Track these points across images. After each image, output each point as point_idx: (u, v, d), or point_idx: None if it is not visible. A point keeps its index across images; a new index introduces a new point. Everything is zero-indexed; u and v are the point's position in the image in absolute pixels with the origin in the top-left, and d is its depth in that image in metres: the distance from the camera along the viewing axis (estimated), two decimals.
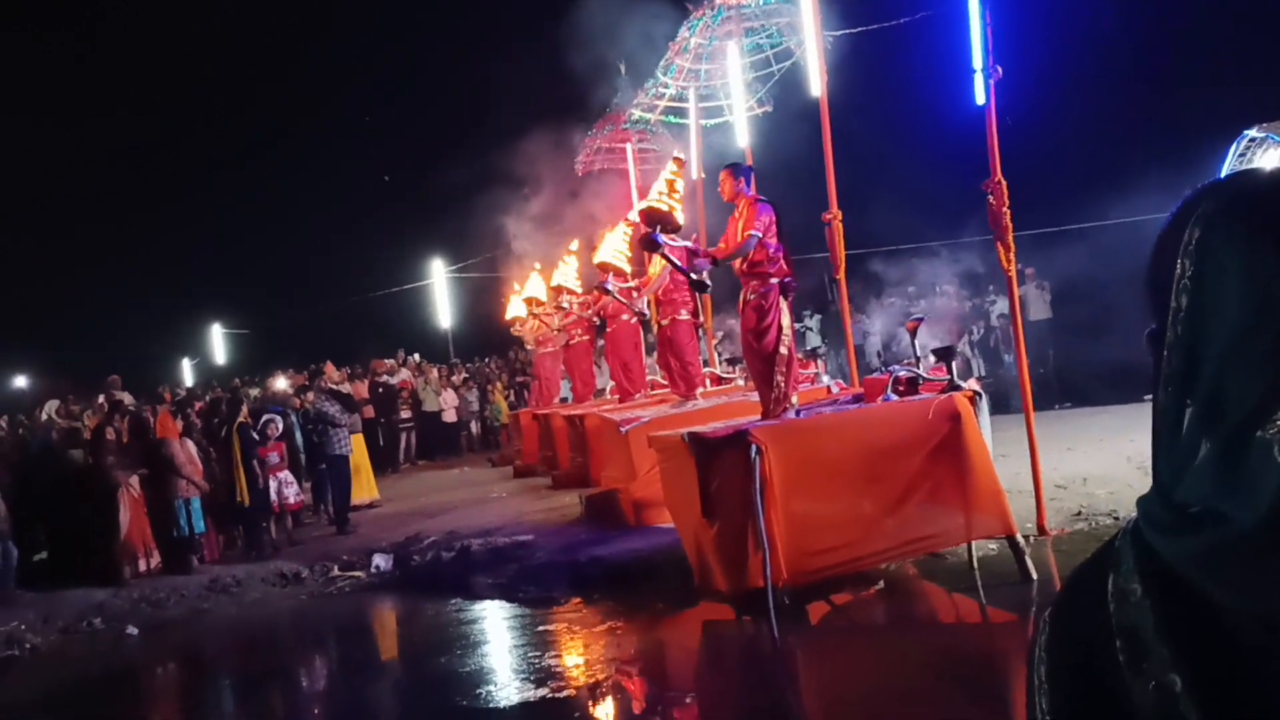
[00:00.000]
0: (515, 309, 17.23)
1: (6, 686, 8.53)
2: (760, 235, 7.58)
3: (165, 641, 9.43)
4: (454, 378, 22.03)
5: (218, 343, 30.55)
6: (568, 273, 14.96)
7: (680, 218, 8.84)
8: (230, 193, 31.05)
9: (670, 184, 8.85)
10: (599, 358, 16.78)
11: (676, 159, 9.46)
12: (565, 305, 15.04)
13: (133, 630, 9.56)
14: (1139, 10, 17.97)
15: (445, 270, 27.72)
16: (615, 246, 12.22)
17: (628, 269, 12.29)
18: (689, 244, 9.41)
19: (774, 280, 7.68)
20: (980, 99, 8.12)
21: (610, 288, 12.33)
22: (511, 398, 21.77)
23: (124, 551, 10.96)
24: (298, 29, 31.41)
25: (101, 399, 15.82)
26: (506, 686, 6.58)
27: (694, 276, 8.43)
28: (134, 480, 11.19)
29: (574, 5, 13.98)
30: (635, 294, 12.48)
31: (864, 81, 13.21)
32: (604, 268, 12.26)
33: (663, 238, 8.34)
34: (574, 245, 15.20)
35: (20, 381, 28.25)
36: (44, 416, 15.61)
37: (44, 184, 29.44)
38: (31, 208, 28.83)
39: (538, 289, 16.35)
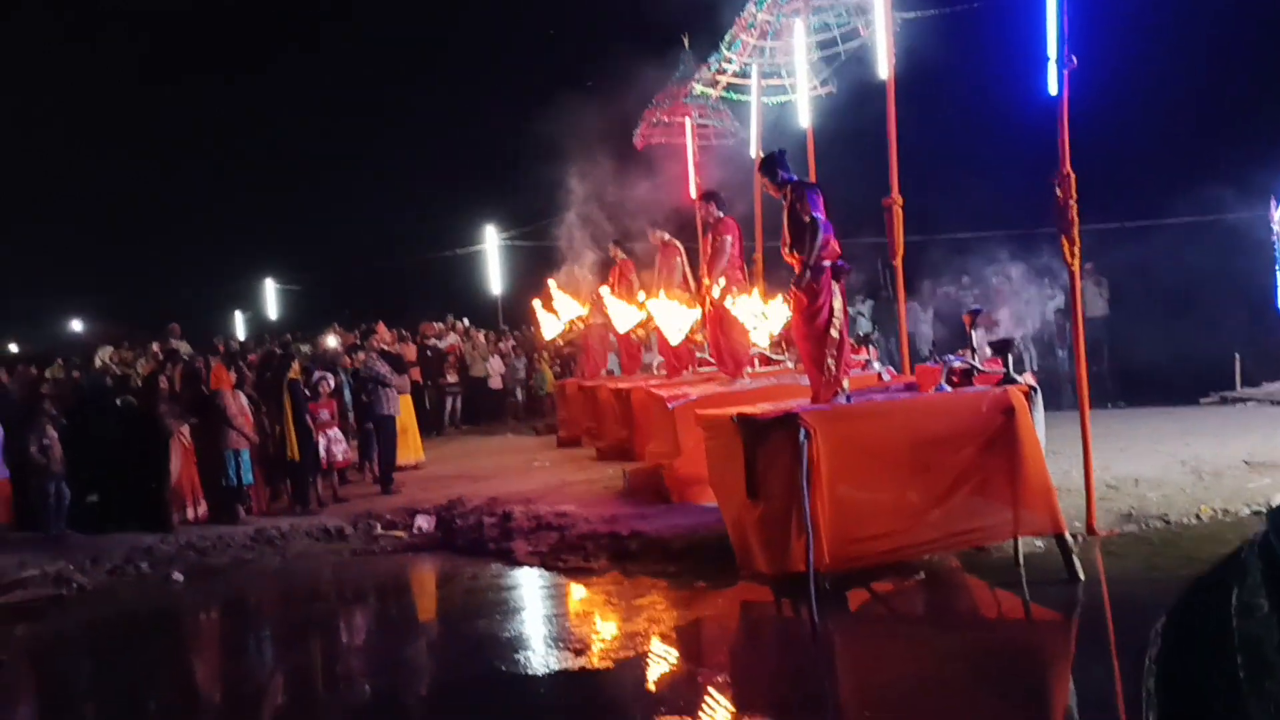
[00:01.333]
0: (552, 327, 16.98)
1: (54, 623, 8.72)
2: (822, 219, 7.50)
3: (209, 588, 9.59)
4: (501, 345, 22.11)
5: (270, 297, 30.86)
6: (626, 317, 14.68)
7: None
8: (288, 150, 31.31)
9: None
10: (649, 333, 16.74)
11: None
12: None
13: (178, 575, 9.73)
14: (1220, 3, 17.55)
15: (498, 237, 27.77)
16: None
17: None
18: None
19: (825, 263, 7.60)
20: (1053, 89, 7.96)
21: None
22: (558, 368, 21.81)
23: (173, 498, 11.13)
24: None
25: (157, 346, 16.04)
26: (545, 654, 6.62)
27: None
28: (185, 429, 11.35)
29: None
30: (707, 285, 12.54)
31: (932, 66, 13.00)
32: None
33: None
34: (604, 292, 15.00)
35: (76, 325, 28.73)
36: (98, 362, 15.86)
37: (102, 135, 29.86)
38: (91, 159, 29.22)
39: (572, 308, 16.15)
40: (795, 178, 8.04)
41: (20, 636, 8.35)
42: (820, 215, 7.52)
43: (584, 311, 16.02)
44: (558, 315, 16.29)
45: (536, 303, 16.77)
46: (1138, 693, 0.92)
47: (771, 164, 8.04)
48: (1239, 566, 0.87)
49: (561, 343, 17.54)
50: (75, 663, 8.19)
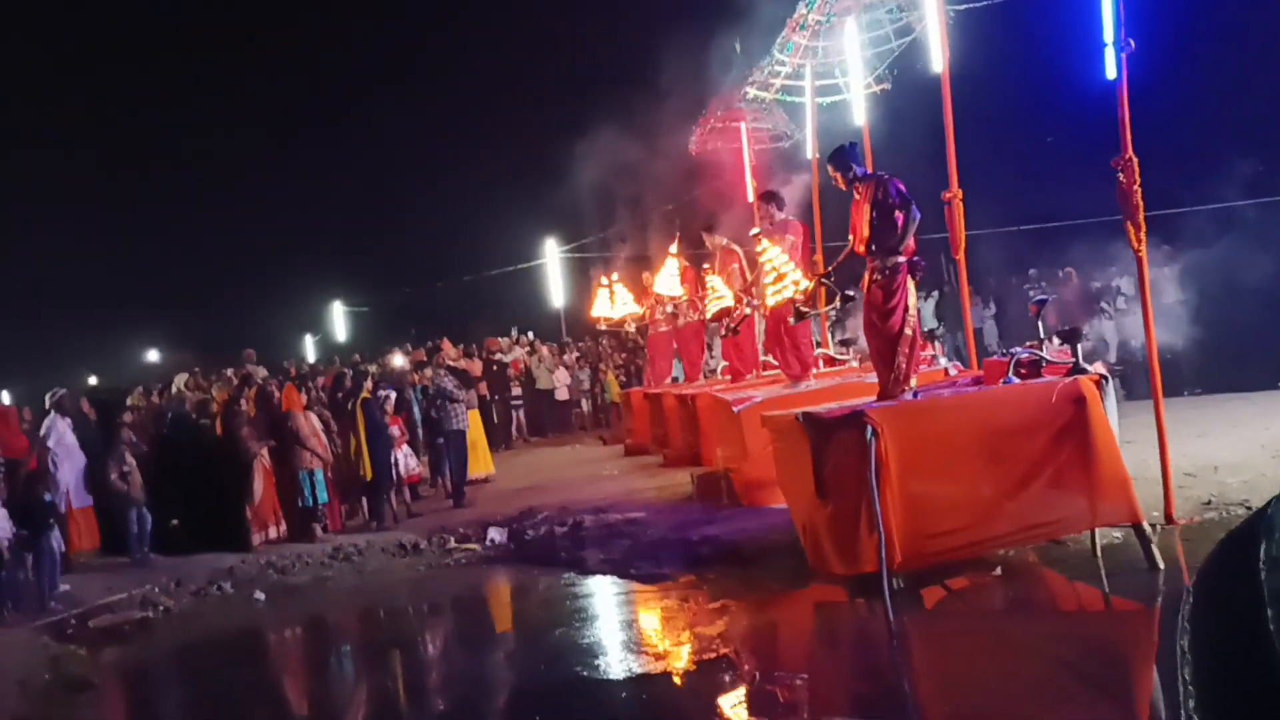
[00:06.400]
0: (604, 310, 17.28)
1: (141, 646, 8.93)
2: (917, 213, 7.48)
3: (291, 606, 9.78)
4: (566, 356, 22.24)
5: (339, 319, 31.32)
6: (669, 281, 14.90)
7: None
8: (353, 174, 31.85)
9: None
10: (711, 338, 16.76)
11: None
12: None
13: (260, 595, 9.93)
14: None
15: (559, 250, 27.95)
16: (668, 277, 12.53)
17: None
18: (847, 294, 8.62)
19: (901, 259, 7.56)
20: (1111, 73, 7.85)
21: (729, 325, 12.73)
22: (623, 377, 21.88)
23: (253, 519, 11.37)
24: (424, 18, 32.04)
25: (232, 372, 16.37)
26: (624, 659, 6.66)
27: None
28: (265, 451, 11.59)
29: None
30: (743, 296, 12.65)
31: (987, 57, 12.86)
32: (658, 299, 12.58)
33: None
34: (673, 248, 15.17)
35: (152, 355, 29.41)
36: (174, 389, 16.23)
37: (169, 167, 30.59)
38: (158, 192, 29.97)
39: (629, 307, 16.43)
40: (872, 172, 7.99)
41: (109, 660, 8.57)
42: (915, 210, 7.49)
43: (639, 311, 16.20)
44: (612, 304, 16.61)
45: (601, 288, 17.03)
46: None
47: (845, 155, 7.93)
48: (1266, 522, 0.88)
49: (604, 326, 17.69)
50: (163, 684, 8.40)
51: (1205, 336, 15.51)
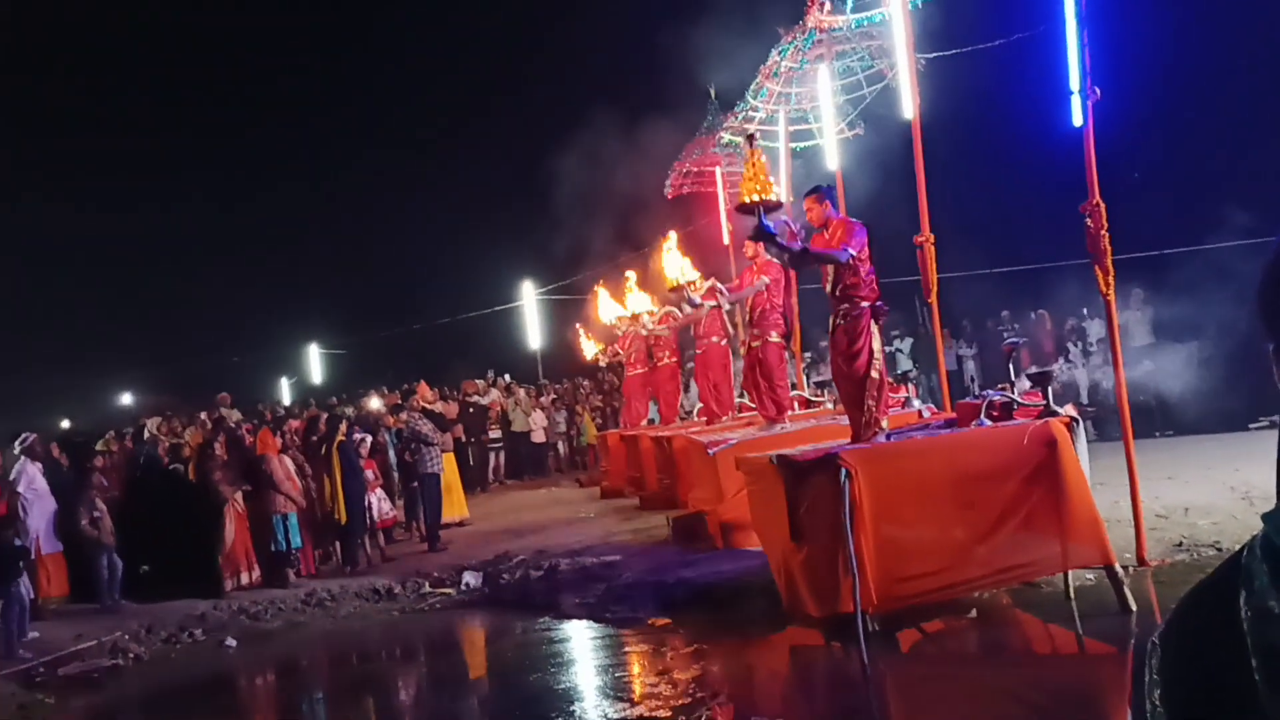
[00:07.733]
0: (590, 349, 17.29)
1: (111, 694, 8.80)
2: (855, 253, 7.52)
3: (263, 652, 9.67)
4: (542, 398, 22.22)
5: (315, 362, 31.18)
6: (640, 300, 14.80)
7: (776, 196, 8.27)
8: (328, 217, 31.88)
9: (753, 169, 8.27)
10: (687, 379, 16.79)
11: (748, 136, 9.03)
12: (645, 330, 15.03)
13: (231, 641, 9.82)
14: (1242, 27, 17.50)
15: (535, 292, 27.99)
16: (676, 264, 12.15)
17: (696, 275, 12.19)
18: (793, 226, 8.19)
19: (864, 304, 7.63)
20: (1078, 120, 8.00)
21: (696, 300, 12.28)
22: (600, 419, 21.87)
23: (225, 564, 11.27)
24: (393, 61, 32.23)
25: (205, 415, 16.27)
26: (599, 705, 6.62)
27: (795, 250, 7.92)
28: (238, 495, 11.51)
29: (665, 30, 14.15)
30: (721, 294, 12.31)
31: (957, 104, 13.07)
32: (676, 289, 12.19)
33: (769, 223, 7.78)
34: (631, 276, 15.19)
35: (126, 399, 29.18)
36: (146, 433, 16.11)
37: (142, 208, 30.54)
38: (132, 233, 29.88)
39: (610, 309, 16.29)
40: (842, 215, 8.09)
41: (78, 708, 8.44)
42: (853, 250, 7.53)
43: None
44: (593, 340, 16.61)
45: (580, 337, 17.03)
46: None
47: (825, 191, 8.00)
48: (1243, 572, 0.87)
49: (602, 361, 17.67)
50: None
51: (1176, 378, 15.66)
